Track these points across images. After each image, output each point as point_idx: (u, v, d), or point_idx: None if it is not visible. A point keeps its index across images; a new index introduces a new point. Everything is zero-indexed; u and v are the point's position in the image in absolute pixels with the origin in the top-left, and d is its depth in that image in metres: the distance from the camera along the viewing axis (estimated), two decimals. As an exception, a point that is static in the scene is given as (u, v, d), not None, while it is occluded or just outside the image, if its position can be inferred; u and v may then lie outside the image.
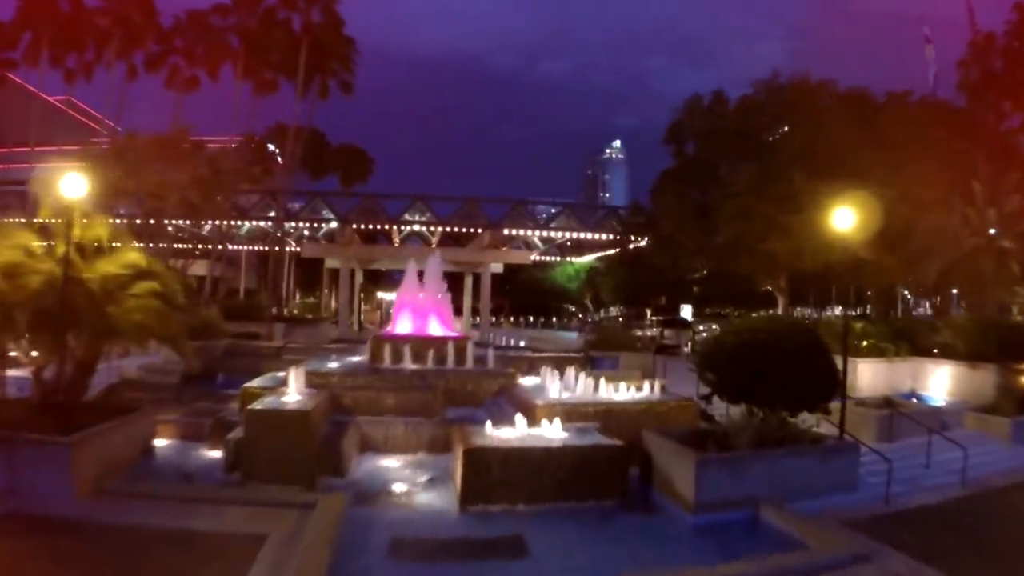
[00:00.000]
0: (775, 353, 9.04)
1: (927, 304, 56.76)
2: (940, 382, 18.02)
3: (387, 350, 15.55)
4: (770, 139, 23.70)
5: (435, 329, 16.85)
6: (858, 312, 62.34)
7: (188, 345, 13.55)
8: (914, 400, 17.50)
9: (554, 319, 71.53)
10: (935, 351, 18.73)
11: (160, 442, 13.36)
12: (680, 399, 12.63)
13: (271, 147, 46.79)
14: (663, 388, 13.15)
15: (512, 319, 70.68)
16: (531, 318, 69.23)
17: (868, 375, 17.91)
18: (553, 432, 10.54)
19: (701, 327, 33.99)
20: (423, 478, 11.34)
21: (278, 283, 35.08)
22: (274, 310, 30.98)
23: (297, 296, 60.96)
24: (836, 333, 15.33)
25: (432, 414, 13.27)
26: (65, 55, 38.37)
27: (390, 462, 12.21)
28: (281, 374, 14.04)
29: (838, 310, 60.53)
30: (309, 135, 43.02)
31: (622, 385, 12.88)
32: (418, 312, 17.09)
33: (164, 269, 12.78)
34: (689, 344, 28.74)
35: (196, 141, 27.30)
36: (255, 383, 14.00)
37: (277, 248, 33.00)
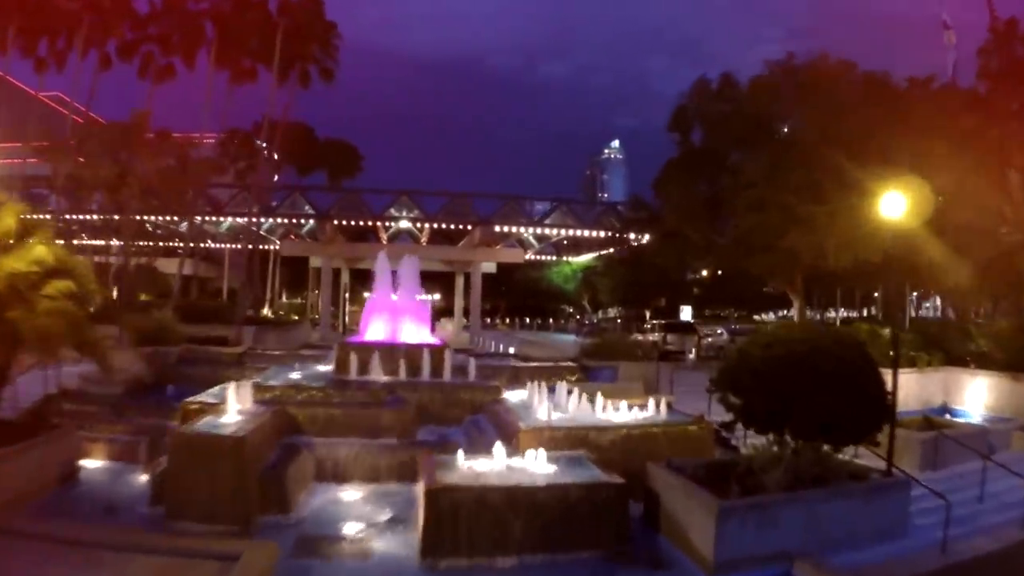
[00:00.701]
0: (817, 371, 7.15)
1: (929, 306, 54.96)
2: (977, 395, 16.12)
3: (354, 359, 13.66)
4: (786, 126, 21.80)
5: (409, 335, 14.93)
6: (864, 314, 60.67)
7: (114, 353, 11.82)
8: (948, 416, 15.62)
9: (551, 320, 69.74)
10: (969, 360, 16.83)
11: (92, 464, 11.70)
12: (691, 421, 10.73)
13: (260, 143, 44.81)
14: (670, 406, 11.24)
15: (507, 321, 68.85)
16: (527, 319, 67.48)
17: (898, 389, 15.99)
18: (539, 464, 8.67)
19: (706, 331, 32.04)
20: (384, 516, 9.51)
21: (253, 282, 33.11)
22: (250, 311, 29.03)
23: (284, 296, 59.04)
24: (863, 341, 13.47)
25: (401, 435, 11.40)
26: (35, 44, 36.40)
27: (348, 493, 10.38)
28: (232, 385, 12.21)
29: (842, 311, 58.73)
30: (295, 129, 41.03)
31: (622, 403, 10.99)
32: (391, 316, 15.17)
33: (81, 265, 10.88)
34: (694, 350, 26.81)
35: (162, 130, 25.39)
36: (199, 397, 12.13)
37: (252, 246, 30.99)
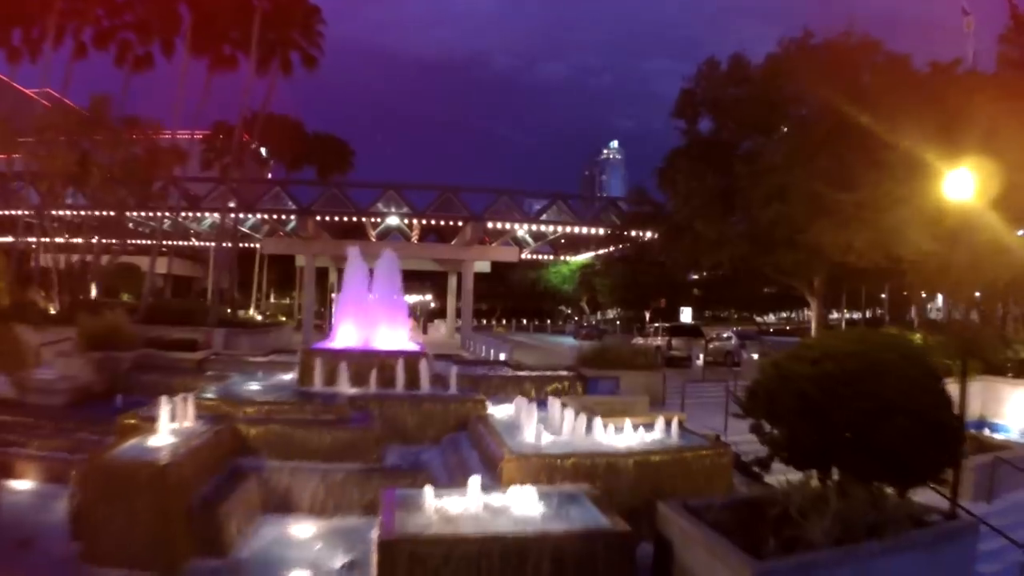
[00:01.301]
0: (880, 392, 5.53)
1: (931, 307, 53.33)
2: (1018, 407, 14.53)
3: (319, 368, 12.02)
4: (805, 109, 20.11)
5: (383, 341, 13.27)
6: (868, 315, 59.15)
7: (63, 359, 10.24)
8: (987, 431, 14.07)
9: (548, 321, 68.21)
10: (1008, 369, 15.22)
11: (19, 485, 10.15)
12: (708, 445, 9.10)
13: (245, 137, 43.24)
14: (682, 425, 9.61)
15: (504, 322, 67.29)
16: (524, 321, 66.00)
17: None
18: (526, 503, 7.03)
19: (713, 335, 30.38)
20: (339, 560, 7.91)
21: (233, 280, 31.43)
22: (228, 311, 27.37)
23: (272, 297, 57.35)
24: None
25: (366, 458, 9.79)
26: (8, 32, 34.76)
27: (301, 528, 8.77)
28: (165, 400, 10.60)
29: (846, 312, 57.07)
30: (281, 121, 39.41)
31: (626, 422, 9.35)
32: (365, 319, 13.51)
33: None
34: (701, 356, 25.18)
35: (130, 118, 23.74)
36: (140, 411, 10.50)
37: (229, 243, 29.28)
